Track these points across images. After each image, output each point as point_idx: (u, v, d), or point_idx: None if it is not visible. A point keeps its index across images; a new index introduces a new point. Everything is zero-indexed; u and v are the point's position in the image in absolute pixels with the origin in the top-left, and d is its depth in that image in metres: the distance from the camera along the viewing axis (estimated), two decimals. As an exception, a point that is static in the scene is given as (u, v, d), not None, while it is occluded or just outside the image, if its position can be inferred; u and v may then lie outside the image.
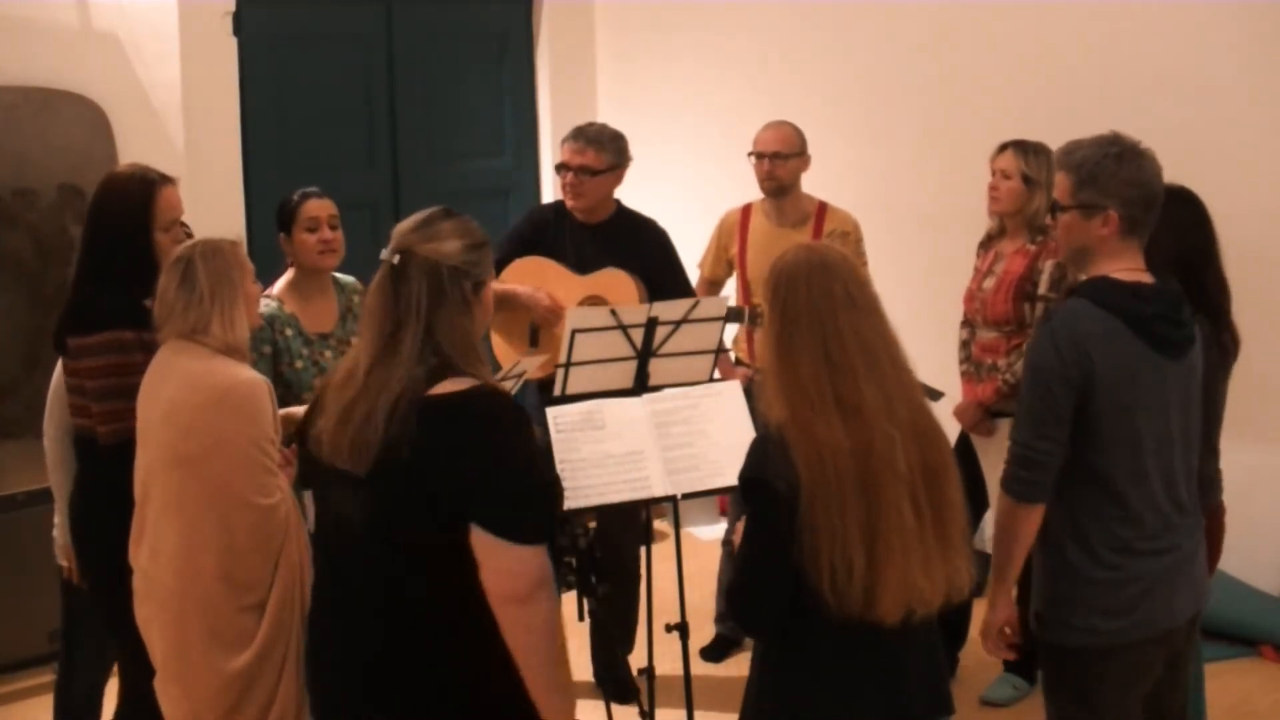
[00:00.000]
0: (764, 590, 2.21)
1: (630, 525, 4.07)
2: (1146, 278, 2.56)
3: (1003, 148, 4.02)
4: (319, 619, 2.32)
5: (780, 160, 4.35)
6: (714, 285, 4.60)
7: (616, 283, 4.02)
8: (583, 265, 4.06)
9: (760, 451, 2.22)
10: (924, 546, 2.17)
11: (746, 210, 4.53)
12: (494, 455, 2.09)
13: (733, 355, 4.54)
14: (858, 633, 2.17)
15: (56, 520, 3.34)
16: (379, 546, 2.14)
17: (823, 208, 4.44)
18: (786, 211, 4.42)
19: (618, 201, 4.19)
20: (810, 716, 2.24)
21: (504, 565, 2.08)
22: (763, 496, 2.19)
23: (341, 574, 2.25)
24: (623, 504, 3.17)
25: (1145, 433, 2.53)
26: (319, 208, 3.57)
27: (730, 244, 4.53)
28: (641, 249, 4.11)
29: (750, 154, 4.41)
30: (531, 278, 4.03)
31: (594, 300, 3.99)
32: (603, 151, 4.04)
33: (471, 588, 2.11)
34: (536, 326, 4.05)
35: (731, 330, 4.46)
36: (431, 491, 2.08)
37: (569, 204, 4.08)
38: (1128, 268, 2.55)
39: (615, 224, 4.15)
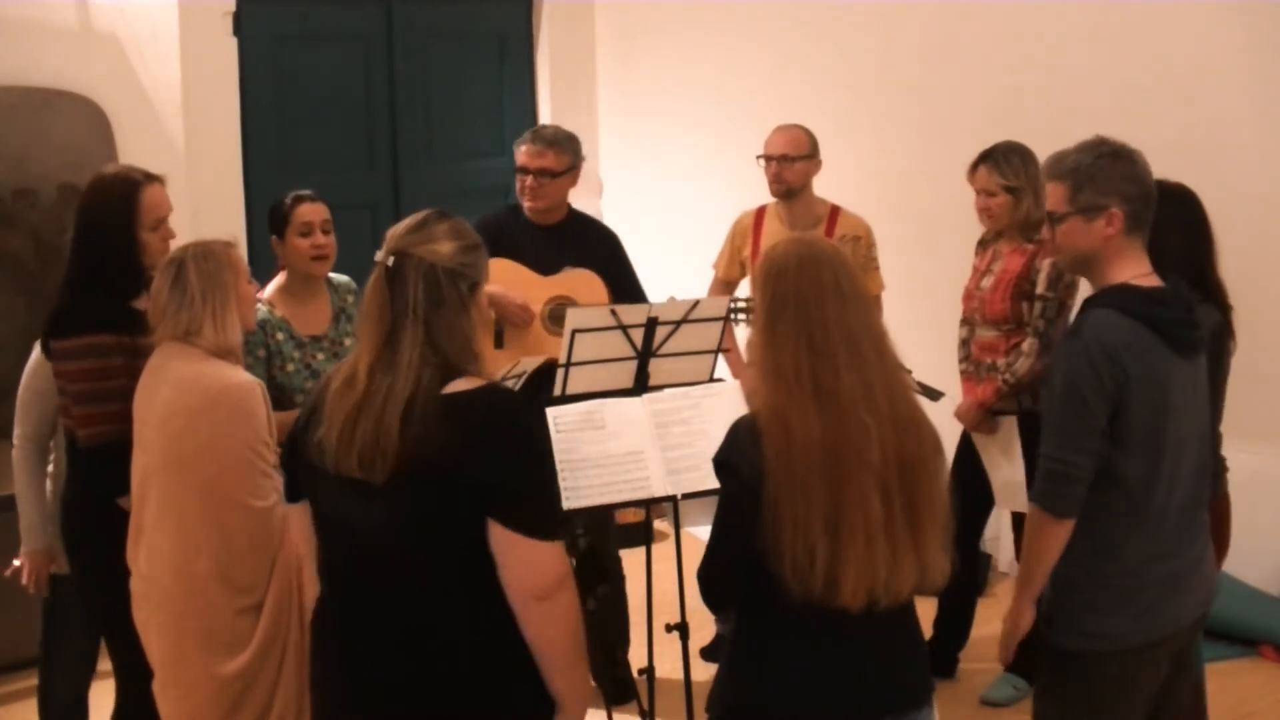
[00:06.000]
0: (723, 567, 2.26)
1: (606, 528, 4.07)
2: (1157, 280, 2.55)
3: (975, 166, 3.99)
4: (329, 631, 2.25)
5: (787, 163, 4.34)
6: (728, 286, 4.58)
7: (585, 282, 4.02)
8: (543, 267, 4.03)
9: (732, 435, 2.26)
10: (891, 537, 2.17)
11: (760, 213, 4.52)
12: (519, 452, 2.09)
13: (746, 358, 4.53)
14: (819, 622, 2.18)
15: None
16: (405, 553, 2.10)
17: (835, 211, 4.42)
18: (799, 214, 4.40)
19: (568, 203, 4.19)
20: (760, 704, 2.25)
21: (529, 562, 2.07)
22: (728, 478, 2.24)
23: (358, 586, 2.18)
24: (612, 506, 3.16)
25: (1172, 437, 2.52)
26: (312, 212, 3.53)
27: (744, 246, 4.51)
28: (596, 250, 4.12)
29: (759, 156, 4.41)
30: (496, 280, 4.00)
31: (563, 300, 3.98)
32: (561, 153, 4.04)
33: (497, 586, 2.09)
34: (502, 327, 4.02)
35: (744, 334, 4.46)
36: (460, 490, 2.06)
37: (528, 206, 4.07)
38: (1140, 273, 2.53)
39: (570, 225, 4.16)
